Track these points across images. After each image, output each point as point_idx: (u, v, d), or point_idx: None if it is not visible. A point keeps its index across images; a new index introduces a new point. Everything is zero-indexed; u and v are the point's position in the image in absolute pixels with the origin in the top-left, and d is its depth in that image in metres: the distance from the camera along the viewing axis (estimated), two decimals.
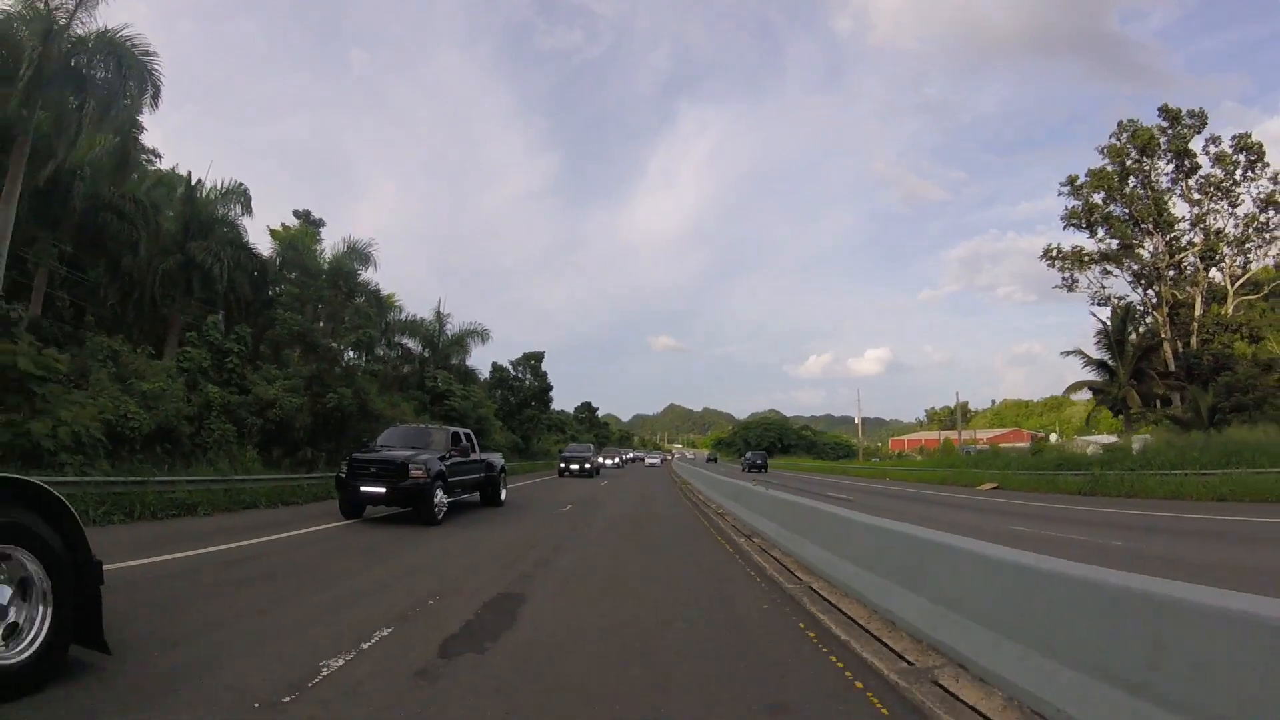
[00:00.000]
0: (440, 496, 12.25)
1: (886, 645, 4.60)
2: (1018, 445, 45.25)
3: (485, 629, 5.06)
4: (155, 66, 18.78)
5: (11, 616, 3.45)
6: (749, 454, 61.63)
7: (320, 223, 35.82)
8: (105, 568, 3.90)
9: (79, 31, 18.08)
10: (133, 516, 10.75)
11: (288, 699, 3.51)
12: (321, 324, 23.13)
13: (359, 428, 19.41)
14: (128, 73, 18.01)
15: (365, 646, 4.44)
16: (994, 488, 23.93)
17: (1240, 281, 37.10)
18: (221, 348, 17.72)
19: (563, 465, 34.83)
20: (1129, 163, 34.59)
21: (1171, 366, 34.48)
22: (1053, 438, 74.44)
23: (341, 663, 4.09)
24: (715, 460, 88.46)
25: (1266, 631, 2.32)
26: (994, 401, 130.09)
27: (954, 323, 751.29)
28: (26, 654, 3.43)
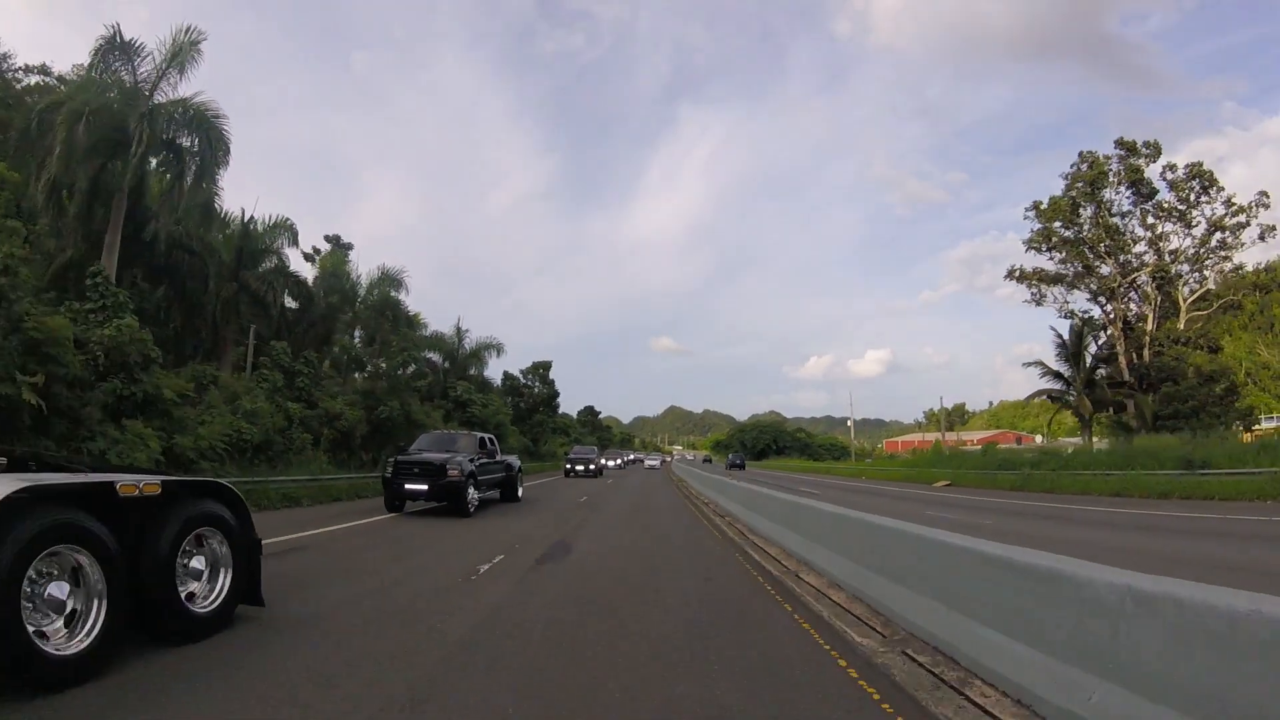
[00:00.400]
0: (472, 493, 14.35)
1: (776, 559, 8.30)
2: (1002, 446, 48.86)
3: (555, 554, 8.83)
4: (225, 127, 22.36)
5: (205, 579, 4.86)
6: (730, 455, 72.67)
7: (349, 246, 39.58)
8: (276, 540, 7.41)
9: (160, 99, 21.64)
10: (260, 508, 14.41)
11: (471, 578, 7.16)
12: (370, 345, 26.83)
13: (404, 434, 23.05)
14: (208, 137, 21.63)
15: (496, 560, 8.18)
16: (947, 485, 27.60)
17: (1194, 297, 40.69)
18: (291, 369, 21.38)
19: (569, 466, 37.12)
20: (1078, 194, 38.27)
21: (1127, 376, 38.09)
22: (1038, 439, 78.02)
23: (487, 567, 7.79)
24: (710, 461, 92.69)
25: (997, 563, 5.97)
26: (991, 403, 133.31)
27: (954, 324, 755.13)
28: (211, 604, 4.84)
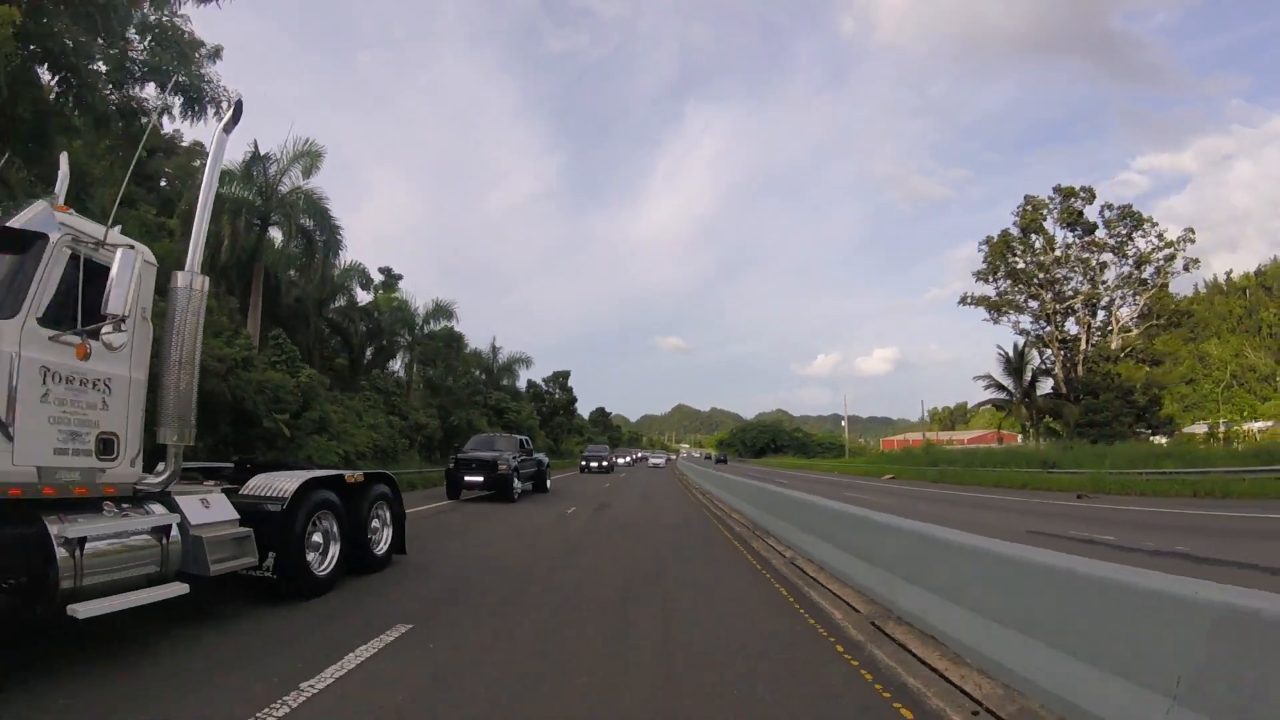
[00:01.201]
0: (517, 484, 18.39)
1: (724, 511, 15.48)
2: (985, 445, 55.92)
3: (603, 510, 16.12)
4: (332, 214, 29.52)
5: (380, 534, 7.58)
6: (713, 453, 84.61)
7: (399, 276, 46.96)
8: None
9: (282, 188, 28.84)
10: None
11: (559, 520, 14.34)
12: (427, 366, 34.18)
13: (468, 438, 30.29)
14: (325, 220, 28.81)
15: (569, 512, 15.39)
16: (891, 477, 34.73)
17: (1127, 320, 47.42)
18: (387, 390, 28.65)
19: (584, 463, 42.60)
20: (1018, 235, 45.23)
21: (1061, 389, 45.00)
22: (1019, 439, 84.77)
23: (571, 511, 15.06)
24: (710, 458, 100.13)
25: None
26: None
27: (961, 321, 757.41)
28: (383, 549, 7.60)
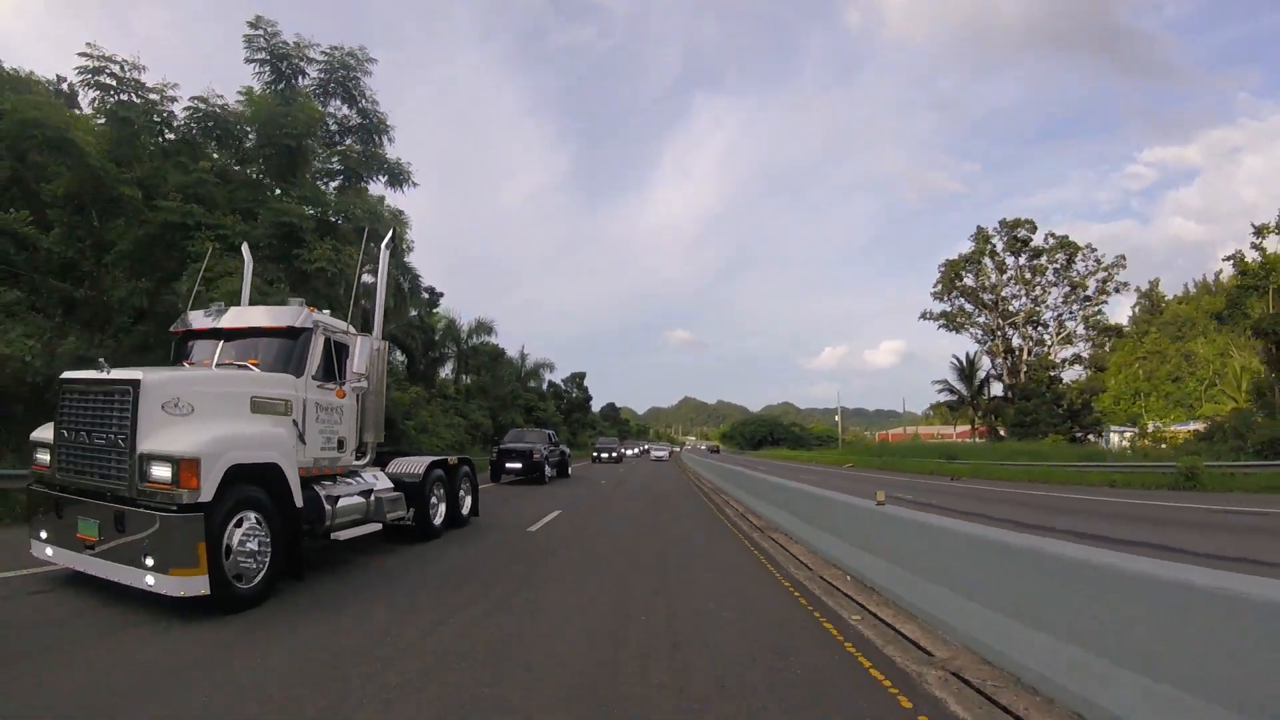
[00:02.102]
0: (548, 469, 23.11)
1: (708, 484, 23.88)
2: (949, 440, 64.38)
3: (623, 483, 24.52)
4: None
5: (466, 501, 11.33)
6: (705, 445, 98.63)
7: (441, 294, 55.38)
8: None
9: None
10: None
11: (604, 483, 22.86)
12: (471, 374, 42.71)
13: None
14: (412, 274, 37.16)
15: (602, 484, 23.89)
16: (851, 466, 43.06)
17: (1070, 331, 55.35)
18: (452, 396, 37.00)
19: (596, 454, 47.96)
20: (966, 262, 53.28)
21: (1004, 394, 53.15)
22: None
23: (603, 482, 23.59)
24: (714, 450, 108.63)
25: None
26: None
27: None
28: (466, 512, 11.28)
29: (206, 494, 5.51)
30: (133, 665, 4.38)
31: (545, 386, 64.66)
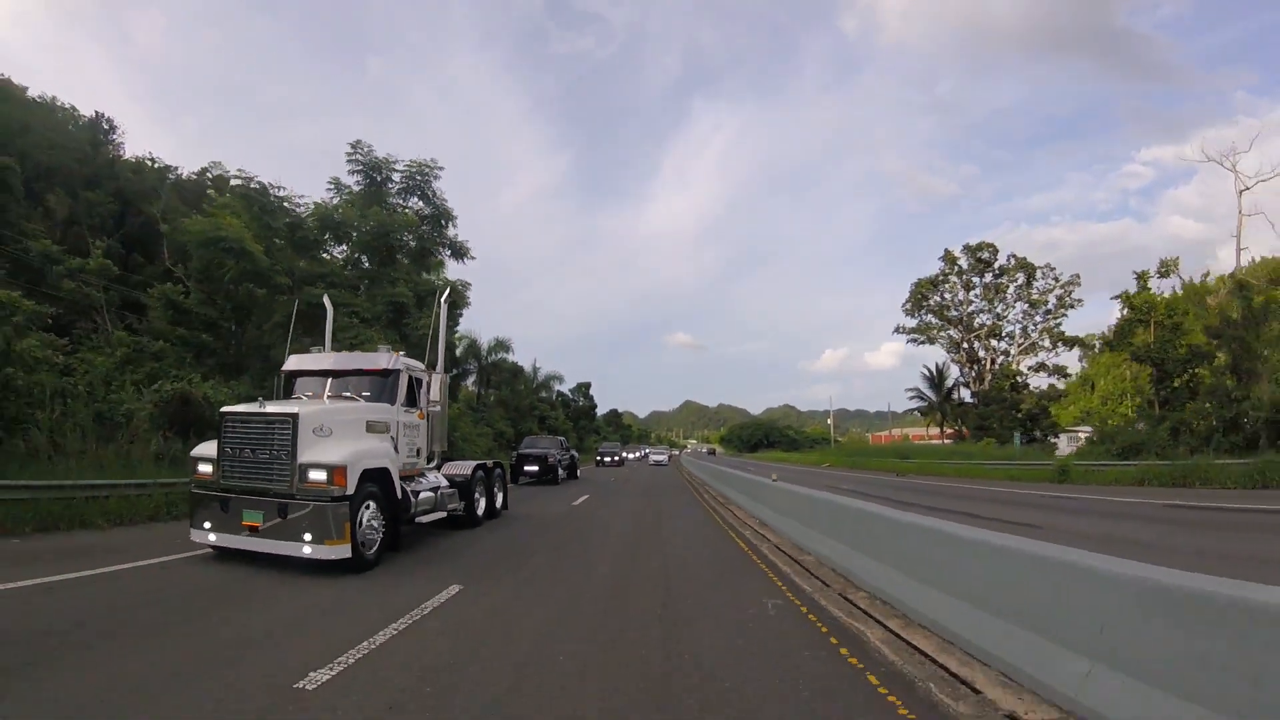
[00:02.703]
0: (560, 472, 25.00)
1: (698, 480, 26.84)
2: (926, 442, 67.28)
3: (627, 482, 27.06)
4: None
5: (500, 497, 13.44)
6: (705, 448, 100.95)
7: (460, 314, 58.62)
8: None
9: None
10: None
11: (613, 480, 25.83)
12: (503, 391, 45.94)
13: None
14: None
15: (611, 481, 26.68)
16: (828, 465, 45.99)
17: (1032, 341, 58.04)
18: (475, 406, 40.08)
19: (599, 458, 47.59)
20: (934, 282, 56.24)
21: (969, 400, 55.91)
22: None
23: (610, 479, 26.47)
24: (711, 452, 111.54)
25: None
26: None
27: None
28: (499, 506, 13.37)
29: (350, 489, 7.58)
30: (300, 605, 6.04)
31: (555, 396, 67.84)
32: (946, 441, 53.13)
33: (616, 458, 48.20)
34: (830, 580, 7.03)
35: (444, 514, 10.60)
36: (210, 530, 7.86)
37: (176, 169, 32.66)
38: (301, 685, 4.00)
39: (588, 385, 72.16)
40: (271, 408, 7.92)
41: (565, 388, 70.71)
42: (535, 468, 23.99)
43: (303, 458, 7.54)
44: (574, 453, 31.75)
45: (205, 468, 8.06)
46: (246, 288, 20.82)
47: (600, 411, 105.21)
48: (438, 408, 10.60)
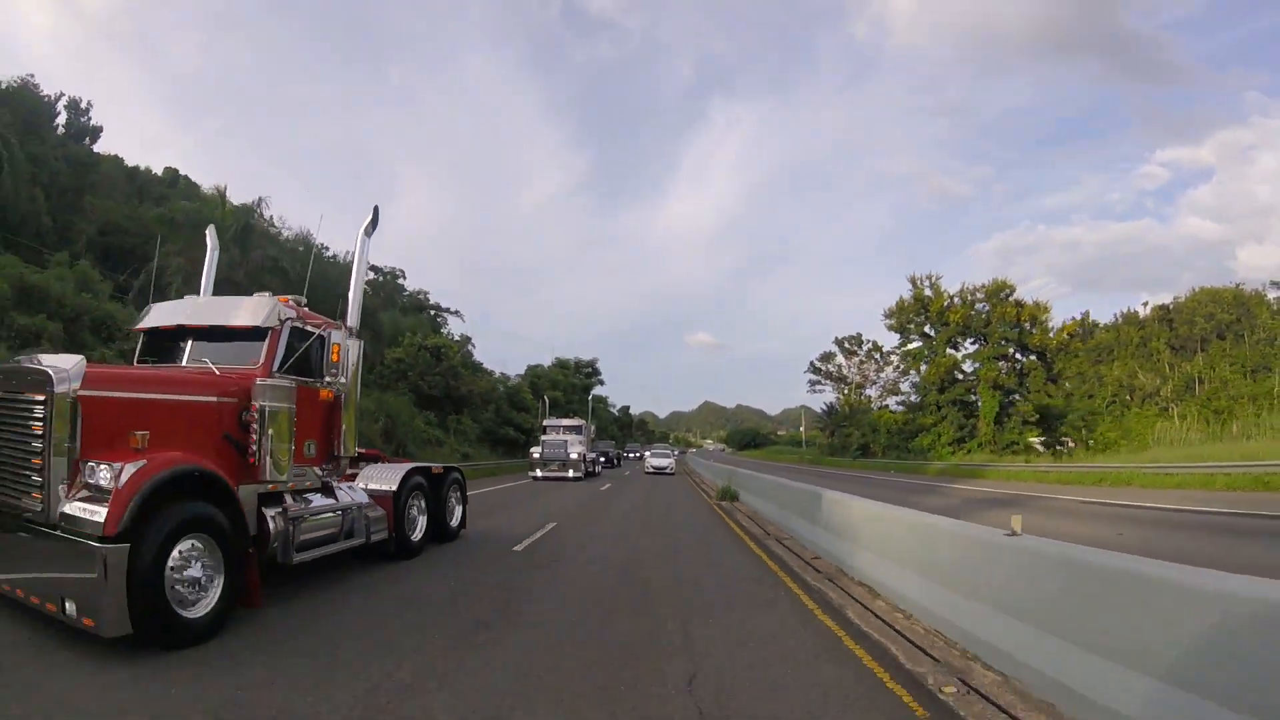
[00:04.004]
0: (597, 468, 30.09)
1: (697, 474, 32.30)
2: None
3: (636, 472, 32.63)
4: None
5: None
6: (715, 447, 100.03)
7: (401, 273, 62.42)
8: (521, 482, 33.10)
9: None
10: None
11: (628, 474, 30.80)
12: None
13: None
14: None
15: (626, 474, 30.73)
16: (792, 462, 52.21)
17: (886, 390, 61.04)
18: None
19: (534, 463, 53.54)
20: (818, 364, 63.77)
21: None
22: None
23: (627, 474, 30.44)
24: (721, 450, 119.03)
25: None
26: None
27: None
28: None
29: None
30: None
31: (590, 402, 73.81)
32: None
33: (637, 455, 41.52)
34: None
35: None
36: None
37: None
38: None
39: (627, 408, 78.14)
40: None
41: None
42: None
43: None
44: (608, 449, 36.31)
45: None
46: None
47: (618, 409, 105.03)
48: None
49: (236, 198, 26.96)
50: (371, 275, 42.14)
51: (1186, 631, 2.64)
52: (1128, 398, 41.83)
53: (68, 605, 3.84)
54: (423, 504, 7.99)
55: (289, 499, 5.66)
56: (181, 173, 34.56)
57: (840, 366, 64.83)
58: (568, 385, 58.82)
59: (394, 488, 7.30)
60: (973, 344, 44.58)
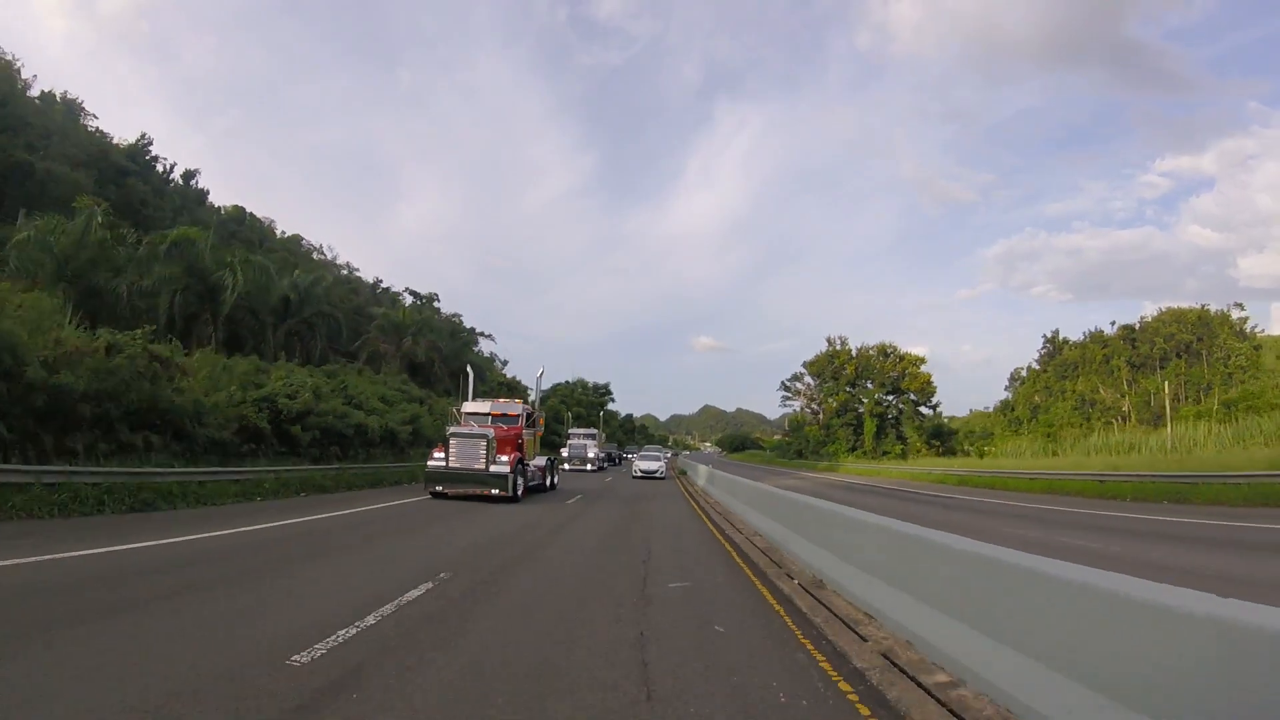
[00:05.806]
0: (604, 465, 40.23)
1: (684, 473, 43.85)
2: None
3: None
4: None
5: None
6: (700, 452, 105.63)
7: (436, 297, 54.93)
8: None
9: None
10: None
11: (609, 480, 42.39)
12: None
13: None
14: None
15: (624, 472, 43.26)
16: (764, 463, 62.93)
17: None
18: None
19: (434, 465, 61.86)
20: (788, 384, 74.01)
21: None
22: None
23: (610, 479, 41.61)
24: (716, 452, 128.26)
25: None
26: (987, 407, 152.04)
27: (991, 321, 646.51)
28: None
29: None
30: (501, 514, 14.34)
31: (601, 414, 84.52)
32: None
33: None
34: None
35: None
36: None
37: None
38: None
39: (631, 418, 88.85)
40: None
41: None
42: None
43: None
44: (614, 451, 48.14)
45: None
46: None
47: (623, 414, 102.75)
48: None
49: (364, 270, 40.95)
50: (409, 300, 52.50)
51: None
52: (1089, 410, 47.46)
53: (493, 491, 14.97)
54: (549, 472, 19.15)
55: (529, 467, 16.87)
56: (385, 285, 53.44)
57: (809, 385, 75.28)
58: (587, 402, 70.11)
59: (543, 464, 18.72)
60: (869, 385, 59.87)
